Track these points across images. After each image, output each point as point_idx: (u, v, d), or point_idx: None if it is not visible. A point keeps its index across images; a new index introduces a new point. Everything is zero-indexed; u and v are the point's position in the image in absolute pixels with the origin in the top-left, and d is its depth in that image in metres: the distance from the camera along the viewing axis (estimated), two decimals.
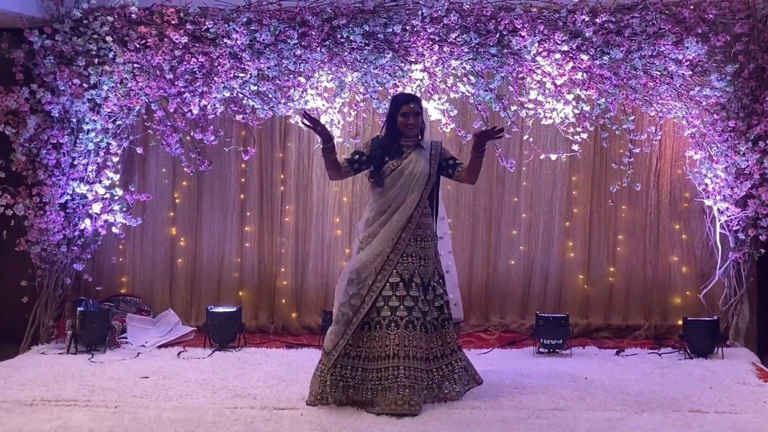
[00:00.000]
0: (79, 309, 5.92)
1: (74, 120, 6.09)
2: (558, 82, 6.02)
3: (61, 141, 6.04)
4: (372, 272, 4.55)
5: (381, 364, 4.43)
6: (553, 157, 6.39)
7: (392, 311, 4.49)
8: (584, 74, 5.99)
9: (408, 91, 6.08)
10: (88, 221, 6.21)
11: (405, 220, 4.61)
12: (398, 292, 4.51)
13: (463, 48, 5.96)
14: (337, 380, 4.46)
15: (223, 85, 6.04)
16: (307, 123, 4.55)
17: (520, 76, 6.12)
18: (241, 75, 6.04)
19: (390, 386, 4.36)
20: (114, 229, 6.32)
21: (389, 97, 6.04)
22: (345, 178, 5.05)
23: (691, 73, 5.97)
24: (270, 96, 6.17)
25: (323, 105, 6.22)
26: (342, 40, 5.97)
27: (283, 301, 6.81)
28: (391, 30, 5.96)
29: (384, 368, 4.41)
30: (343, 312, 4.54)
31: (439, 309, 4.70)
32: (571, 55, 5.93)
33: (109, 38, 5.98)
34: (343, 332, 4.51)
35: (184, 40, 5.94)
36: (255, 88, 6.13)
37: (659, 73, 5.99)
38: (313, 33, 5.94)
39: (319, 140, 4.76)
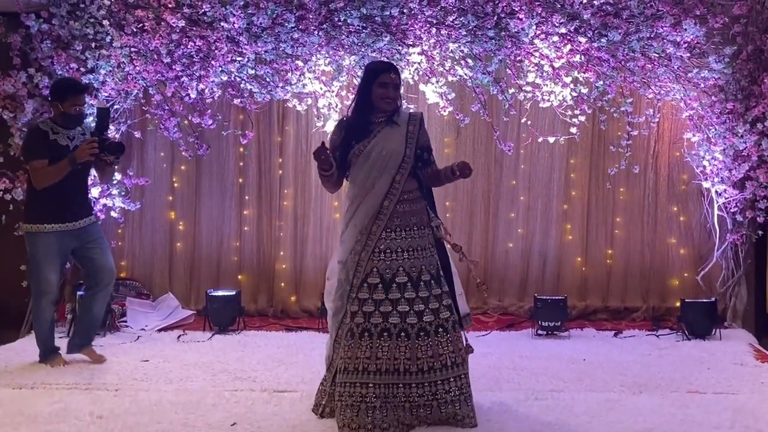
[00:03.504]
0: (78, 293, 5.92)
1: None
2: (556, 65, 6.01)
3: None
4: (346, 274, 3.96)
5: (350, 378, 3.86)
6: (551, 140, 6.39)
7: (365, 317, 3.85)
8: (582, 57, 5.98)
9: (406, 74, 6.07)
10: None
11: (373, 211, 3.92)
12: (375, 296, 3.86)
13: (460, 31, 5.94)
14: (340, 399, 3.90)
15: (220, 68, 6.02)
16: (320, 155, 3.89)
17: (518, 58, 6.10)
18: (239, 59, 6.02)
19: (351, 405, 3.82)
20: (113, 214, 6.32)
21: None
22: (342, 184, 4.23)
23: (689, 55, 5.96)
24: (268, 80, 6.15)
25: (321, 89, 6.21)
26: (339, 23, 5.95)
27: (282, 284, 6.82)
28: (388, 13, 5.93)
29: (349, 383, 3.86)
30: (333, 318, 4.06)
31: (433, 312, 3.90)
32: (569, 37, 5.91)
33: (105, 22, 5.94)
34: (332, 343, 4.04)
35: (181, 23, 5.91)
36: (252, 71, 6.11)
37: (657, 56, 5.98)
38: (311, 16, 5.91)
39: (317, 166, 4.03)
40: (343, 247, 4.02)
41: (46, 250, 5.00)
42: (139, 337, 5.88)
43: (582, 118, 6.19)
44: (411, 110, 4.37)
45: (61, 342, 5.62)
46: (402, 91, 4.28)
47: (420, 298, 3.89)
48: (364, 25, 5.95)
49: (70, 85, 5.09)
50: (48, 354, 5.14)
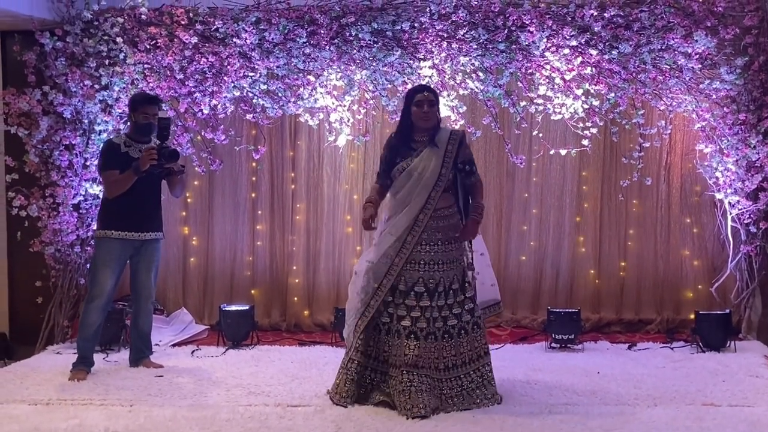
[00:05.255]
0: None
1: (86, 121, 6.13)
2: (567, 77, 6.02)
3: (73, 142, 6.08)
4: (375, 273, 4.43)
5: (395, 371, 4.35)
6: (563, 152, 6.39)
7: (397, 320, 4.38)
8: (593, 69, 5.99)
9: None
10: None
11: (409, 223, 4.37)
12: (407, 301, 4.38)
13: (471, 44, 5.96)
14: (353, 377, 4.46)
15: (233, 84, 6.07)
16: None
17: (529, 71, 6.12)
18: (251, 74, 6.07)
19: (403, 391, 4.27)
20: None
21: (398, 95, 6.08)
22: None
23: (700, 66, 5.96)
24: (280, 95, 6.20)
25: (333, 103, 6.24)
26: (351, 38, 5.99)
27: (296, 299, 6.83)
28: (399, 27, 5.98)
29: (397, 375, 4.33)
30: (355, 307, 4.52)
31: (456, 317, 4.42)
32: (579, 50, 5.93)
33: (119, 39, 6.01)
34: (354, 328, 4.51)
35: (194, 40, 5.97)
36: (265, 87, 6.15)
37: (668, 67, 5.98)
38: (322, 31, 5.95)
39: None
40: (377, 249, 4.47)
41: (106, 256, 5.19)
42: (153, 352, 5.88)
43: (594, 131, 6.19)
44: (452, 129, 4.60)
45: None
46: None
47: (447, 305, 4.39)
48: (376, 39, 5.99)
49: (140, 95, 5.38)
50: (78, 363, 5.19)
